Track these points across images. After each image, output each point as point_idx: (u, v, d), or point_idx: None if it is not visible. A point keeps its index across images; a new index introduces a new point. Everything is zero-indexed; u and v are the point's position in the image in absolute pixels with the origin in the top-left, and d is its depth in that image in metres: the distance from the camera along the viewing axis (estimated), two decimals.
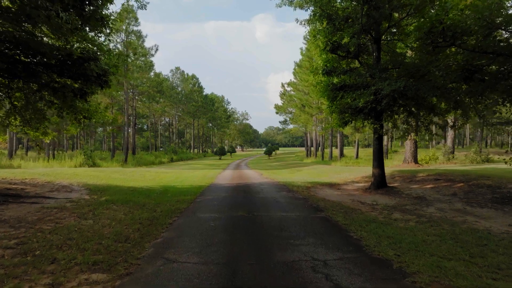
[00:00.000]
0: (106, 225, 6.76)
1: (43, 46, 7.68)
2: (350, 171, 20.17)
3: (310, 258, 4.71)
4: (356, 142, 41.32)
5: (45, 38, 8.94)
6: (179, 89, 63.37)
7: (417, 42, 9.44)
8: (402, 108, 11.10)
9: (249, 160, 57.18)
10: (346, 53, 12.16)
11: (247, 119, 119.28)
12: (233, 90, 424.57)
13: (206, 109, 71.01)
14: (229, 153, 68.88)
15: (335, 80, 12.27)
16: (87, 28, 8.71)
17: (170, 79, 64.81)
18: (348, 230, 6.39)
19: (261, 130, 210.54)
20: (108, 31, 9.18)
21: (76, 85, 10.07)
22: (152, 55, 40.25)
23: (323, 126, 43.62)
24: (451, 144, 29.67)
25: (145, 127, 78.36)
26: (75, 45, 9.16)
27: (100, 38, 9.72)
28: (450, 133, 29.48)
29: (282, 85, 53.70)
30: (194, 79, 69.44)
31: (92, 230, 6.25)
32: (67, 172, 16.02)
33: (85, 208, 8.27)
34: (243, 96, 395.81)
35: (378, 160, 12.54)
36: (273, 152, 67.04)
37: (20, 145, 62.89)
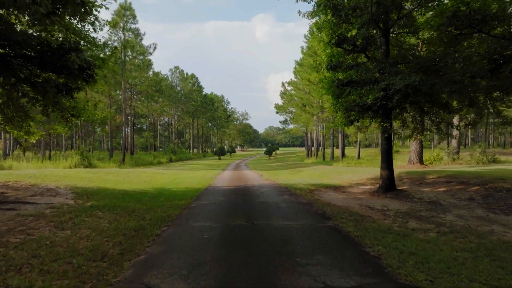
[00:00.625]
0: (84, 236, 5.87)
1: (16, 34, 6.79)
2: (353, 172, 19.28)
3: (322, 285, 3.81)
4: (358, 142, 40.42)
5: (21, 27, 8.04)
6: (178, 88, 62.45)
7: (434, 32, 8.54)
8: (413, 106, 10.20)
9: (249, 160, 56.28)
10: (353, 46, 11.26)
11: (247, 119, 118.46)
12: (233, 90, 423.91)
13: (206, 109, 70.12)
14: (228, 153, 68.01)
15: (341, 75, 11.37)
16: (68, 16, 7.79)
17: (170, 79, 63.97)
18: (362, 244, 5.49)
19: (261, 130, 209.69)
20: (92, 19, 8.28)
21: (61, 80, 9.19)
22: (150, 54, 39.39)
23: (325, 125, 42.74)
24: (456, 144, 28.77)
25: (144, 127, 77.51)
26: (56, 35, 8.27)
27: (85, 27, 8.82)
28: (455, 133, 28.57)
29: (283, 84, 52.77)
30: (193, 78, 68.56)
31: (66, 244, 5.35)
32: (57, 173, 15.12)
33: (66, 216, 7.37)
34: (243, 96, 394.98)
35: (387, 161, 11.64)
36: (273, 152, 66.19)
37: (18, 145, 62.11)
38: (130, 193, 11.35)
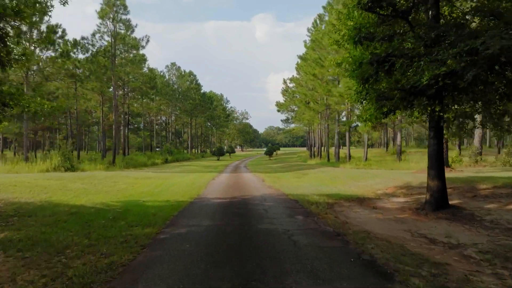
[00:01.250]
0: None
1: None
2: (370, 176, 16.07)
3: None
4: (365, 142, 37.18)
5: None
6: (175, 86, 59.10)
7: None
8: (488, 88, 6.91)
9: (249, 161, 53.09)
10: (392, 9, 8.03)
11: (247, 119, 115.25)
12: (233, 90, 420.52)
13: (204, 108, 66.87)
14: (228, 154, 64.77)
15: (374, 49, 8.09)
16: None
17: (166, 76, 60.61)
18: None
19: (261, 130, 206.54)
20: None
21: None
22: (143, 47, 36.09)
23: (339, 121, 39.52)
24: (478, 144, 25.57)
25: (141, 126, 74.28)
26: None
27: None
28: (477, 132, 25.33)
29: (284, 81, 49.59)
30: (191, 76, 65.30)
31: None
32: (8, 181, 11.88)
33: None
34: (243, 96, 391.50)
35: (438, 167, 8.37)
36: (274, 153, 63.00)
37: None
38: (84, 212, 8.10)
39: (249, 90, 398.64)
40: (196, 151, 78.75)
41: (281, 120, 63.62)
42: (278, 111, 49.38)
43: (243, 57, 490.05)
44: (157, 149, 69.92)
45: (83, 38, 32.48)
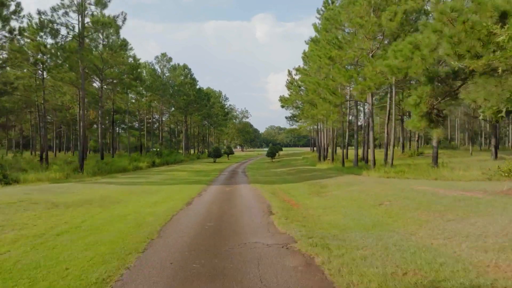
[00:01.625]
0: None
1: None
2: (447, 202, 9.48)
3: None
4: (391, 140, 30.50)
5: None
6: (169, 80, 52.31)
7: None
8: None
9: (249, 163, 46.49)
10: None
11: (247, 117, 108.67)
12: (232, 90, 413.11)
13: (200, 104, 60.25)
14: (226, 155, 58.19)
15: None
16: None
17: (158, 70, 53.94)
18: None
19: (261, 130, 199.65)
20: None
21: None
22: (119, 27, 29.45)
23: (356, 115, 32.89)
24: None
25: (135, 125, 67.67)
26: None
27: None
28: None
29: (289, 73, 42.90)
30: (186, 69, 58.68)
31: None
32: None
33: None
34: (243, 96, 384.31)
35: None
36: (276, 154, 56.48)
37: None
38: None
39: (249, 90, 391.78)
40: (194, 151, 72.40)
41: (286, 118, 57.23)
42: (282, 106, 42.74)
43: (243, 57, 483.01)
44: (154, 149, 63.51)
45: (40, 13, 25.84)
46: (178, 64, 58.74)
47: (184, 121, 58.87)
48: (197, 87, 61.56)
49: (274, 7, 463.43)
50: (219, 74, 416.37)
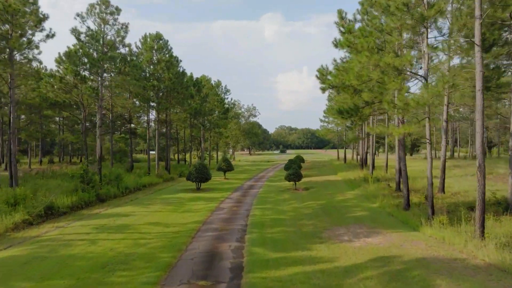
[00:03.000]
0: None
1: None
2: None
3: None
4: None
5: None
6: (122, 50, 30.74)
7: None
8: None
9: (256, 197, 25.22)
10: None
11: (255, 116, 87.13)
12: (240, 90, 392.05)
13: (183, 95, 39.14)
14: (222, 171, 36.91)
15: None
16: None
17: (92, 27, 32.64)
18: None
19: (270, 131, 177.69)
20: None
21: None
22: None
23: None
24: None
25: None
26: None
27: None
28: None
29: (340, 41, 21.24)
30: (160, 40, 37.65)
31: None
32: None
33: None
34: (251, 96, 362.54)
35: None
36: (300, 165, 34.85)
37: None
38: None
39: (258, 90, 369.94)
40: (189, 158, 51.61)
41: (324, 113, 39.53)
42: (324, 90, 21.16)
43: (251, 57, 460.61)
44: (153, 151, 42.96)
45: None
46: (149, 33, 37.74)
47: (156, 119, 37.76)
48: (180, 69, 40.39)
49: (283, 6, 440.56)
50: (227, 73, 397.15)
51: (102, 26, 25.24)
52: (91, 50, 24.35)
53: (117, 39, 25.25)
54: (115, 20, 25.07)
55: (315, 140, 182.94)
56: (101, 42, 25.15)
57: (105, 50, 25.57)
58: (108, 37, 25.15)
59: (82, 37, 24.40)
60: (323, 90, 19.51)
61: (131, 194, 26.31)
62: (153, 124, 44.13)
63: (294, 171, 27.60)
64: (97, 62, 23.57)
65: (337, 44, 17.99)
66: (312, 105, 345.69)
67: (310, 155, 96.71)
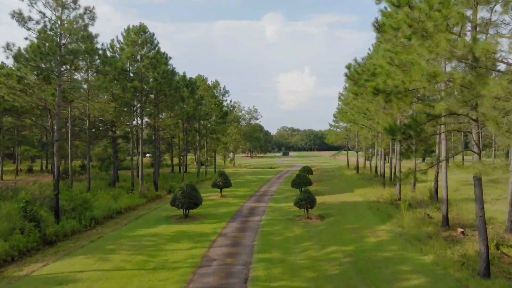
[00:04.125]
0: None
1: None
2: None
3: None
4: None
5: None
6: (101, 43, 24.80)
7: None
8: None
9: (259, 228, 19.22)
10: None
11: (257, 119, 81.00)
12: (240, 90, 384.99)
13: (172, 97, 33.09)
14: (218, 188, 30.77)
15: None
16: None
17: (49, 15, 26.51)
18: None
19: (272, 132, 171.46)
20: None
21: None
22: None
23: None
24: None
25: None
26: None
27: None
28: None
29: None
30: (145, 33, 31.62)
31: None
32: None
33: None
34: (252, 96, 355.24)
35: None
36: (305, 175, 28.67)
37: None
38: None
39: (258, 90, 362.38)
40: (186, 168, 46.03)
41: (336, 110, 33.62)
42: (356, 93, 15.27)
43: (252, 57, 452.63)
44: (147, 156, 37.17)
45: None
46: (132, 26, 31.77)
47: (141, 127, 31.72)
48: (169, 68, 34.35)
49: (284, 6, 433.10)
50: (227, 74, 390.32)
51: (59, 10, 19.21)
52: (42, 42, 18.34)
53: (78, 27, 19.17)
54: (75, 2, 19.02)
55: (318, 142, 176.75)
56: (56, 31, 19.10)
57: (63, 41, 19.54)
58: (67, 25, 19.10)
59: (32, 24, 18.38)
60: (355, 93, 13.34)
61: (98, 226, 20.29)
62: (138, 131, 38.10)
63: (306, 195, 21.46)
64: (45, 56, 17.53)
65: (379, 27, 11.89)
66: (312, 105, 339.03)
67: (315, 159, 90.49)
